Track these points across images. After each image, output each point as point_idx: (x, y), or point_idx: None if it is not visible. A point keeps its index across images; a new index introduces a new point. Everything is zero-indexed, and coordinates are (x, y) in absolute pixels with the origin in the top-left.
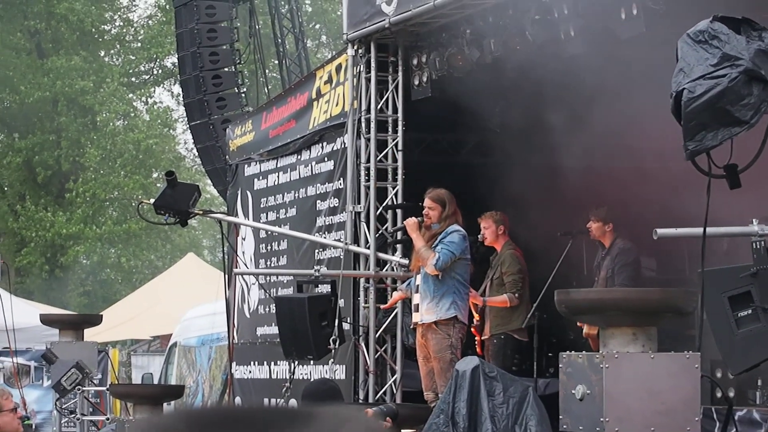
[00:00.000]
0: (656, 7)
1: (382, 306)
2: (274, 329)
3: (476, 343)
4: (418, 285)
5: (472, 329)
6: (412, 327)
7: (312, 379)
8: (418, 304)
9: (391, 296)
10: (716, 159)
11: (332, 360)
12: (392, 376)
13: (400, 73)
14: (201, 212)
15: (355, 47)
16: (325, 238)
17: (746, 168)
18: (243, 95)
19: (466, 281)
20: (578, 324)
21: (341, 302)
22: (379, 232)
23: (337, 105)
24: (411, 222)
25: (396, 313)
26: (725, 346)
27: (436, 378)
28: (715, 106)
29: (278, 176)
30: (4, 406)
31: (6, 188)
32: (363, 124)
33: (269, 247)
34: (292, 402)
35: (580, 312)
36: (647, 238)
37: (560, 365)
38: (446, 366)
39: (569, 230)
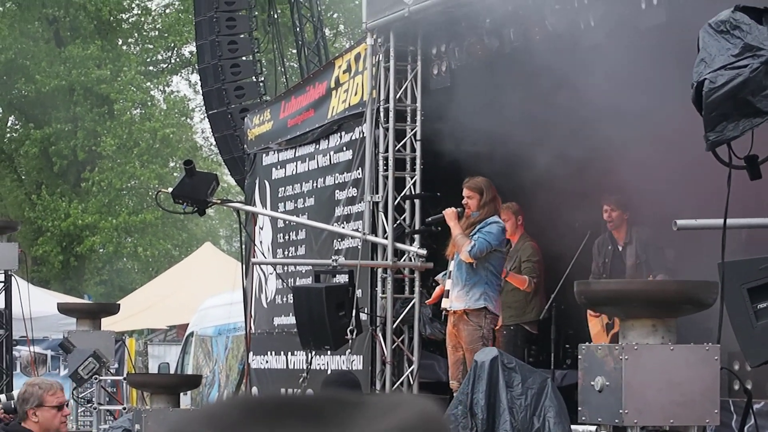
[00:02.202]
0: None
1: (426, 301)
2: (291, 319)
3: None
4: (450, 271)
5: None
6: (443, 313)
7: (330, 370)
8: (449, 290)
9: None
10: (737, 150)
11: (349, 350)
12: (409, 367)
13: (419, 63)
14: (219, 201)
15: (375, 36)
16: (343, 227)
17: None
18: (261, 84)
19: (499, 273)
20: (589, 322)
21: (359, 292)
22: (397, 222)
23: (355, 94)
24: (450, 212)
25: (413, 304)
26: (744, 338)
27: (469, 368)
28: (736, 96)
29: (296, 166)
30: (45, 401)
31: (23, 177)
32: (381, 114)
33: (287, 237)
34: (309, 392)
35: (599, 303)
36: (666, 229)
37: (579, 356)
38: None
39: (588, 222)
